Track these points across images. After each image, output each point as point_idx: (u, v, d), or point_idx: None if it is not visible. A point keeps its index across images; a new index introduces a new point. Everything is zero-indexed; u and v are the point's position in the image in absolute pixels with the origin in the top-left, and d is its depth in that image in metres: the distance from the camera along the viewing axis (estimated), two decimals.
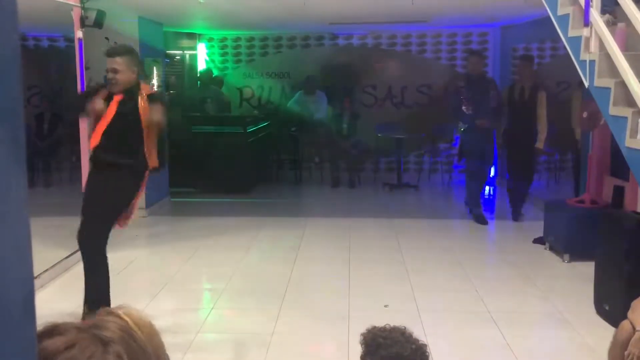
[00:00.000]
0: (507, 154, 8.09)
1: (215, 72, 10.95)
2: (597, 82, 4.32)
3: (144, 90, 4.29)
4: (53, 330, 0.88)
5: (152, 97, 4.29)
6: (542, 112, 7.50)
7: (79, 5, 6.22)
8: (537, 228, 6.79)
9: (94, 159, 4.34)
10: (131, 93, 4.21)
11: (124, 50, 4.34)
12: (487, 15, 8.70)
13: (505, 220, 8.12)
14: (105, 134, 4.17)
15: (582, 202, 6.14)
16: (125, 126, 4.20)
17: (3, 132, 0.66)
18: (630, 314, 3.09)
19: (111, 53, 4.28)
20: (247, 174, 9.36)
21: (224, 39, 11.08)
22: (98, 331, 0.88)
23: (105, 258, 4.36)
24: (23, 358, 0.70)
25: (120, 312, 0.94)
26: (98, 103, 4.14)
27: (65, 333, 0.87)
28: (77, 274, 5.87)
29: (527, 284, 5.51)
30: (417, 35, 10.82)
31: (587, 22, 4.39)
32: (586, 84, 4.48)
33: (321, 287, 5.43)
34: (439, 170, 10.68)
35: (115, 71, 4.20)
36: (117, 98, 4.20)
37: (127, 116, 4.17)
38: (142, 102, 4.20)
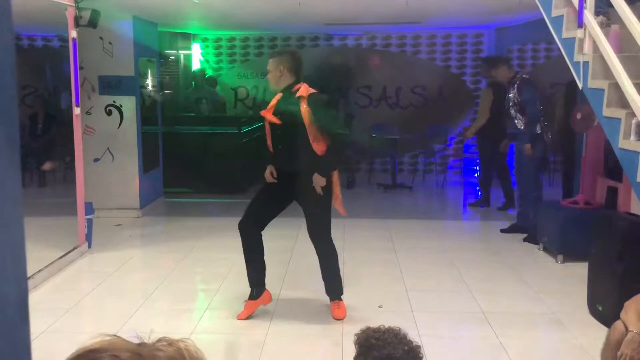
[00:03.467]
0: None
1: (210, 72, 10.94)
2: (591, 84, 4.34)
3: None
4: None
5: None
6: (481, 106, 8.10)
7: (73, 4, 6.21)
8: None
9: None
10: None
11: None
12: (482, 17, 8.72)
13: (499, 221, 8.13)
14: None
15: (575, 203, 6.16)
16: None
17: None
18: (623, 314, 3.10)
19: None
20: (242, 174, 9.35)
21: (218, 39, 11.07)
22: None
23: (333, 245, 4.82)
24: (18, 358, 0.70)
25: (181, 345, 0.93)
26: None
27: None
28: (71, 274, 5.86)
29: (520, 285, 5.52)
30: (412, 36, 10.84)
31: (580, 24, 4.41)
32: (580, 85, 4.50)
33: (315, 287, 5.43)
34: (433, 171, 10.70)
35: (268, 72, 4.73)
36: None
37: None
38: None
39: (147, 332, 0.95)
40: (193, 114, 10.15)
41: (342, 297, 4.83)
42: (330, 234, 4.78)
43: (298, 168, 4.56)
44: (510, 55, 10.31)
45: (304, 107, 4.48)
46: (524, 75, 7.05)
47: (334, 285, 4.81)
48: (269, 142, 4.75)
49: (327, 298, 4.92)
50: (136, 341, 0.91)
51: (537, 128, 6.77)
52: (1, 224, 0.66)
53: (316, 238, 4.75)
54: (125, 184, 7.98)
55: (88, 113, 7.77)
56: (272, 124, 4.63)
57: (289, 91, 4.63)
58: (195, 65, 11.09)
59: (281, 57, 4.72)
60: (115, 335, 0.90)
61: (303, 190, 4.62)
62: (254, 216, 4.80)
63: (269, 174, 4.74)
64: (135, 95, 7.97)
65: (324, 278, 4.82)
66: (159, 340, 0.93)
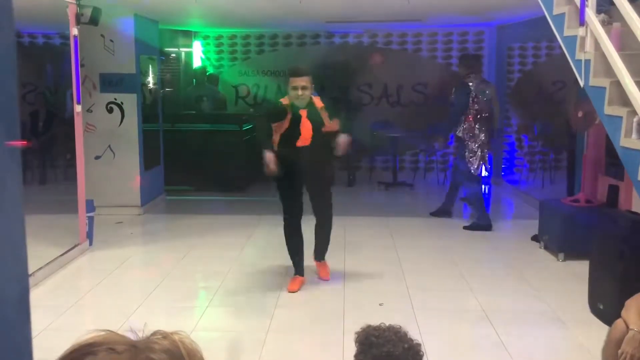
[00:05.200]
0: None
1: (211, 70, 10.93)
2: (593, 82, 4.33)
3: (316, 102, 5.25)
4: (86, 352, 0.87)
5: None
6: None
7: (75, 2, 6.21)
8: (532, 227, 6.80)
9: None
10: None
11: (309, 70, 5.29)
12: (483, 15, 8.71)
13: (500, 220, 8.13)
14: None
15: (576, 201, 6.15)
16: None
17: None
18: (623, 313, 3.10)
19: (300, 72, 5.16)
20: (243, 172, 9.35)
21: (219, 37, 11.06)
22: (147, 353, 0.87)
23: None
24: (19, 355, 0.69)
25: (175, 337, 0.94)
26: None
27: (99, 353, 0.86)
28: (72, 272, 5.87)
29: (521, 283, 5.52)
30: (413, 34, 10.83)
31: (582, 22, 4.40)
32: (581, 83, 4.49)
33: (316, 285, 5.43)
34: (434, 168, 10.69)
35: (305, 88, 5.09)
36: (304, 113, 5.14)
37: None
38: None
39: (142, 327, 0.96)
40: (194, 112, 10.14)
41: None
42: None
43: (318, 159, 5.19)
44: (512, 53, 10.30)
45: (324, 114, 5.23)
46: (469, 76, 7.47)
47: (325, 248, 5.58)
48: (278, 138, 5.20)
49: (330, 297, 4.93)
50: (131, 335, 0.92)
51: (458, 131, 7.37)
52: (3, 222, 0.66)
53: (328, 211, 5.43)
54: (126, 181, 7.98)
55: (89, 111, 7.77)
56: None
57: (312, 102, 5.19)
58: (196, 63, 11.08)
59: (309, 72, 5.19)
60: (109, 331, 0.91)
61: (317, 176, 5.31)
62: (296, 215, 5.39)
63: (271, 158, 5.08)
64: (136, 92, 7.96)
65: (321, 243, 5.54)
66: (154, 333, 0.94)
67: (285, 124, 5.14)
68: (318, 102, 5.24)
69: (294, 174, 5.21)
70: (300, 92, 5.06)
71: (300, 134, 5.13)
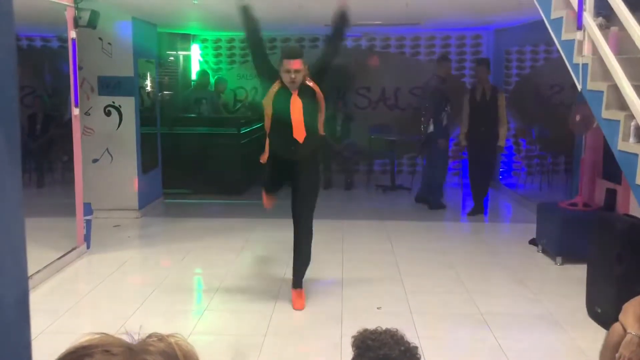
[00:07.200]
0: (469, 151, 8.54)
1: (211, 74, 10.91)
2: (590, 86, 4.34)
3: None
4: (83, 354, 0.87)
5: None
6: (503, 112, 8.19)
7: (73, 5, 6.21)
8: (530, 230, 6.81)
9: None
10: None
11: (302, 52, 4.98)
12: (481, 19, 8.72)
13: (498, 223, 8.14)
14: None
15: (574, 204, 6.16)
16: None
17: None
18: (621, 316, 3.11)
19: (293, 54, 4.85)
20: (241, 176, 9.35)
21: (217, 40, 11.06)
22: (142, 355, 0.88)
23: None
24: (18, 358, 0.70)
25: (171, 340, 0.94)
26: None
27: (95, 355, 0.86)
28: (70, 275, 5.86)
29: (519, 286, 5.52)
30: (411, 38, 10.84)
31: (580, 26, 4.41)
32: (579, 87, 4.50)
33: (314, 289, 5.43)
34: None
35: (297, 72, 4.74)
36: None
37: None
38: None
39: (138, 330, 0.96)
40: (192, 115, 10.13)
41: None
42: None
43: (307, 151, 4.87)
44: (510, 56, 10.32)
45: (319, 95, 4.87)
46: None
47: (303, 272, 5.06)
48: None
49: (327, 301, 4.92)
50: (127, 338, 0.92)
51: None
52: (2, 224, 0.66)
53: (305, 215, 4.96)
54: (124, 184, 7.97)
55: (87, 114, 7.76)
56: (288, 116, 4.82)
57: (304, 85, 4.86)
58: (195, 66, 11.08)
59: (302, 54, 4.89)
60: (104, 333, 0.91)
61: (303, 172, 4.93)
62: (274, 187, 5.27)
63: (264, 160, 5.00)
64: (134, 96, 7.96)
65: (300, 265, 5.02)
66: (149, 335, 0.94)
67: (269, 109, 4.86)
68: (313, 86, 4.87)
69: (281, 161, 4.96)
70: (293, 75, 4.73)
71: (291, 123, 4.79)
